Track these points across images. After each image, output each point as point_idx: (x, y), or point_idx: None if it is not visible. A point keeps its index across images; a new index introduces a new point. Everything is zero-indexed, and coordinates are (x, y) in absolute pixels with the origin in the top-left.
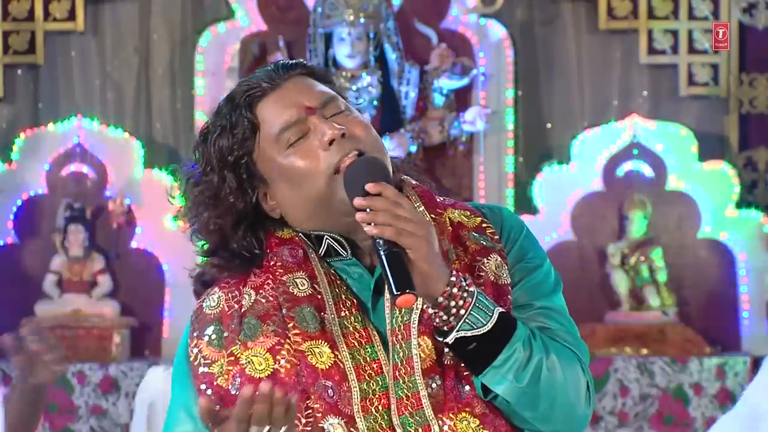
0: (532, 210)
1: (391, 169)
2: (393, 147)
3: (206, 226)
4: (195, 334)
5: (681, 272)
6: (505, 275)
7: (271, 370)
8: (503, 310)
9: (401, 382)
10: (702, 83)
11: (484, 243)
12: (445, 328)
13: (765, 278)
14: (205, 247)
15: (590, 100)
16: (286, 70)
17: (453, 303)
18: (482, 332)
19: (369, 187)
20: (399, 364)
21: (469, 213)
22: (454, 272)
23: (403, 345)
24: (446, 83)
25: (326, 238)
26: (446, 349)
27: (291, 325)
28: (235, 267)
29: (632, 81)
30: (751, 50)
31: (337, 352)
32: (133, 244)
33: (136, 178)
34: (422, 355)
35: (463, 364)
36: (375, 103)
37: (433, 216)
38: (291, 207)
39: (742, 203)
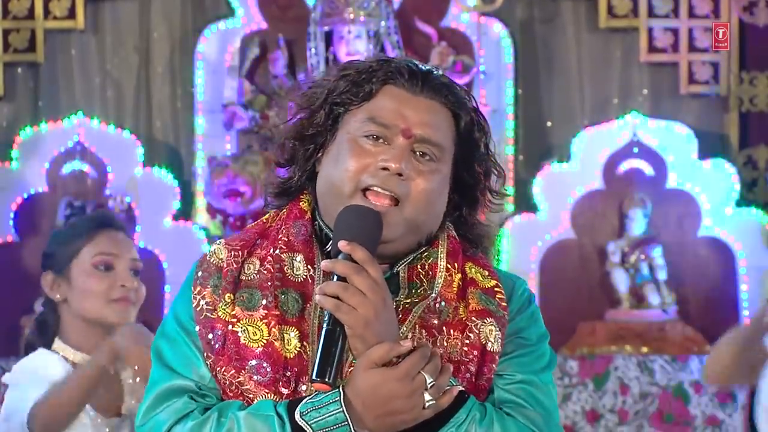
0: (533, 208)
1: (401, 231)
2: None
3: (284, 138)
4: (200, 282)
5: (681, 270)
6: (496, 342)
7: (265, 341)
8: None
9: None
10: (702, 81)
11: (488, 306)
12: None
13: (765, 276)
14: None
15: (590, 99)
16: (437, 90)
17: None
18: None
19: (341, 245)
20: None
21: (487, 273)
22: None
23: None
24: None
25: (331, 242)
26: None
27: (273, 303)
28: (281, 190)
29: (632, 79)
30: (752, 48)
31: (306, 344)
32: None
33: (136, 177)
34: None
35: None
36: None
37: (449, 265)
38: (322, 179)
39: (742, 201)
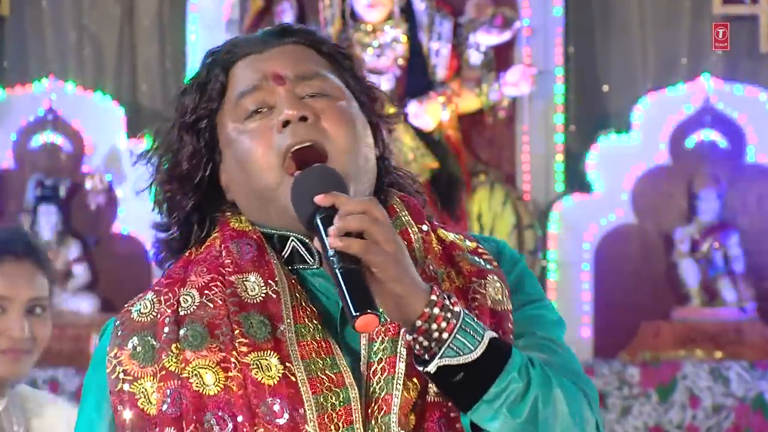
0: (586, 188)
1: (352, 180)
2: (421, 114)
3: (157, 193)
4: (117, 342)
5: (761, 261)
6: (505, 300)
7: (222, 386)
8: (495, 335)
9: (373, 422)
10: None
11: (481, 266)
12: (426, 355)
13: None
14: (158, 217)
15: (654, 59)
16: (281, 36)
17: (434, 326)
18: (470, 360)
19: (318, 199)
20: (373, 402)
21: (462, 236)
22: (434, 289)
23: (382, 380)
24: (484, 38)
25: (291, 240)
26: (430, 384)
27: (237, 332)
28: (175, 245)
29: (704, 35)
30: None
31: (288, 364)
32: (116, 228)
33: (119, 150)
34: (406, 395)
35: (449, 402)
36: (400, 61)
37: (419, 228)
38: (239, 193)
39: None
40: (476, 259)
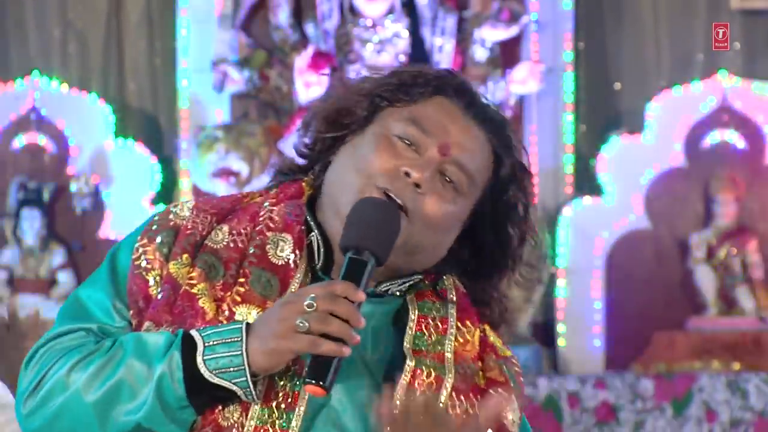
0: (597, 191)
1: (405, 249)
2: None
3: (313, 121)
4: (149, 234)
5: None
6: (514, 426)
7: (212, 316)
8: None
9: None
10: None
11: (508, 377)
12: None
13: None
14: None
15: (669, 55)
16: (487, 122)
17: None
18: None
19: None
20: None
21: (501, 342)
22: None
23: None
24: (490, 33)
25: (315, 238)
26: None
27: (242, 280)
28: (290, 168)
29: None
30: None
31: None
32: (102, 234)
33: (106, 152)
34: None
35: None
36: (401, 58)
37: (459, 325)
38: (334, 170)
39: None
40: (507, 369)
